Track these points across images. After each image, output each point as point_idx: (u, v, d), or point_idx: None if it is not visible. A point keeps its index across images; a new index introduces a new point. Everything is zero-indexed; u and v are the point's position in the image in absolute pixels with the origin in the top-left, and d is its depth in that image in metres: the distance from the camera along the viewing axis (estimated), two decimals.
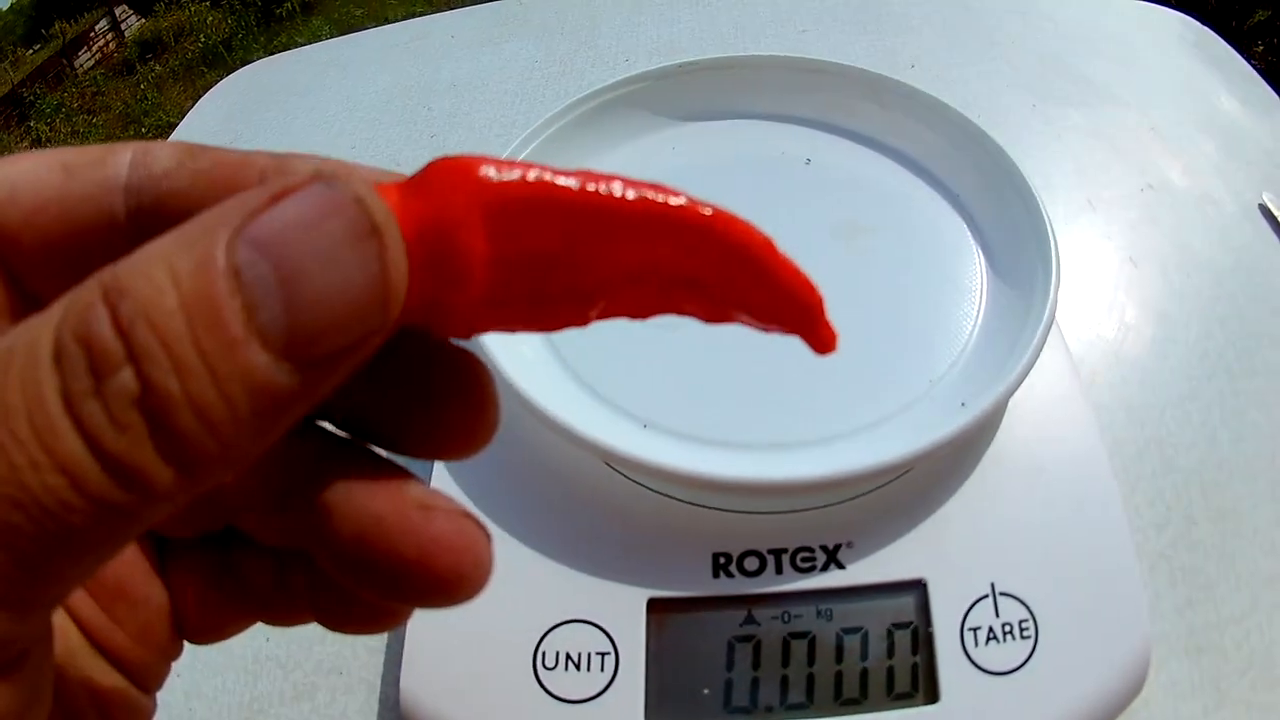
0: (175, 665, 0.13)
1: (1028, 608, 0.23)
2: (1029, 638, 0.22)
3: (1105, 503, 0.24)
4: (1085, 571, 0.23)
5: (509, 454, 0.26)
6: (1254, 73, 0.40)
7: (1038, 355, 0.23)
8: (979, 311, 0.26)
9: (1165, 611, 0.26)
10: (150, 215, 0.11)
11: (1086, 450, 0.25)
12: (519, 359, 0.26)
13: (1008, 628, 0.22)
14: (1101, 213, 0.33)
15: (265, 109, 0.46)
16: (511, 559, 0.24)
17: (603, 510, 0.25)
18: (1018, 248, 0.27)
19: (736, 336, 0.26)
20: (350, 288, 0.09)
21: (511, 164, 0.11)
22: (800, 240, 0.28)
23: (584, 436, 0.23)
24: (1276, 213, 0.35)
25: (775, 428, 0.24)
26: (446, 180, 0.10)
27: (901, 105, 0.30)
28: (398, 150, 0.41)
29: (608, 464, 0.25)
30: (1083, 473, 0.24)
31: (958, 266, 0.28)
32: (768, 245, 0.13)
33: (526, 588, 0.24)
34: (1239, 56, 0.40)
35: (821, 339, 0.14)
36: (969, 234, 0.28)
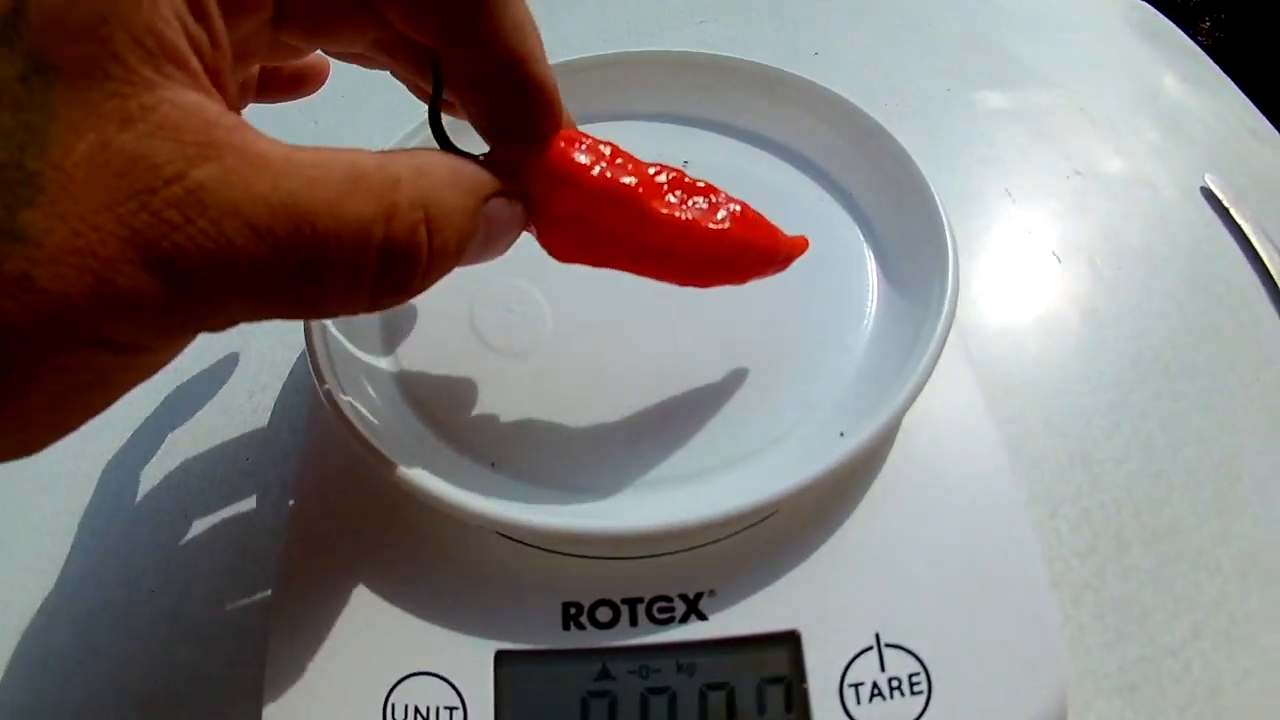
0: None
1: (919, 659, 0.20)
2: (920, 693, 0.19)
3: (1012, 535, 0.21)
4: (988, 615, 0.20)
5: (356, 497, 0.24)
6: (1198, 49, 0.37)
7: (927, 376, 0.20)
8: (868, 326, 0.23)
9: (1091, 648, 0.23)
10: None
11: (991, 475, 0.22)
12: (364, 395, 0.23)
13: (895, 683, 0.19)
14: (1021, 204, 0.30)
15: None
16: (361, 607, 0.22)
17: (450, 556, 0.22)
18: (914, 253, 0.24)
19: (596, 366, 0.24)
20: (501, 250, 0.19)
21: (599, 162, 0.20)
22: None
23: (422, 486, 0.20)
24: (1220, 195, 0.33)
25: (634, 466, 0.22)
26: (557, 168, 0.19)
27: (789, 98, 0.28)
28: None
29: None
30: (986, 502, 0.21)
31: (848, 276, 0.25)
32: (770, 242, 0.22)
33: (377, 637, 0.21)
34: (1181, 32, 0.37)
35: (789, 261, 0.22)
36: (862, 239, 0.26)
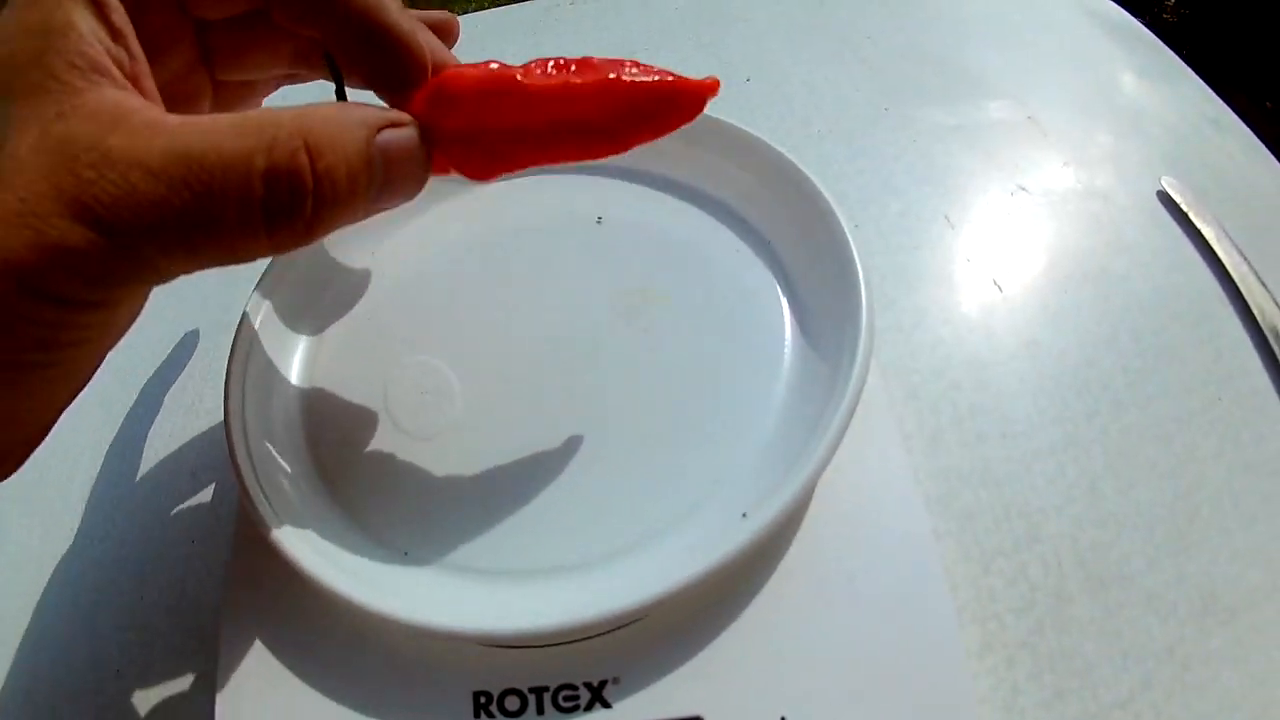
0: None
1: None
2: None
3: (931, 609, 0.20)
4: (901, 690, 0.19)
5: (283, 586, 0.24)
6: (1156, 40, 0.35)
7: (831, 453, 0.20)
8: (780, 390, 0.23)
9: (1027, 708, 0.22)
10: None
11: (911, 542, 0.21)
12: (279, 487, 0.23)
13: None
14: (962, 231, 0.29)
15: None
16: (289, 692, 0.22)
17: (367, 644, 0.22)
18: (830, 306, 0.23)
19: (504, 446, 0.24)
20: (409, 189, 0.20)
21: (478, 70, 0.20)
22: (581, 318, 0.25)
23: (327, 585, 0.20)
24: (1178, 199, 0.31)
25: (538, 550, 0.21)
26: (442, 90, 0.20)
27: (706, 140, 0.26)
28: None
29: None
30: (904, 573, 0.21)
31: (764, 334, 0.24)
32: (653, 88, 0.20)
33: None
34: (1137, 23, 0.35)
35: (701, 103, 0.21)
36: (780, 293, 0.25)
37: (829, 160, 0.26)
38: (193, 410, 0.30)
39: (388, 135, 0.19)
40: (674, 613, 0.21)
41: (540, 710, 0.20)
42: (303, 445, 0.25)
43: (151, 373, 0.32)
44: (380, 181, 0.19)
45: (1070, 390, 0.26)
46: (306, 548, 0.21)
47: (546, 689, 0.20)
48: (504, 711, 0.20)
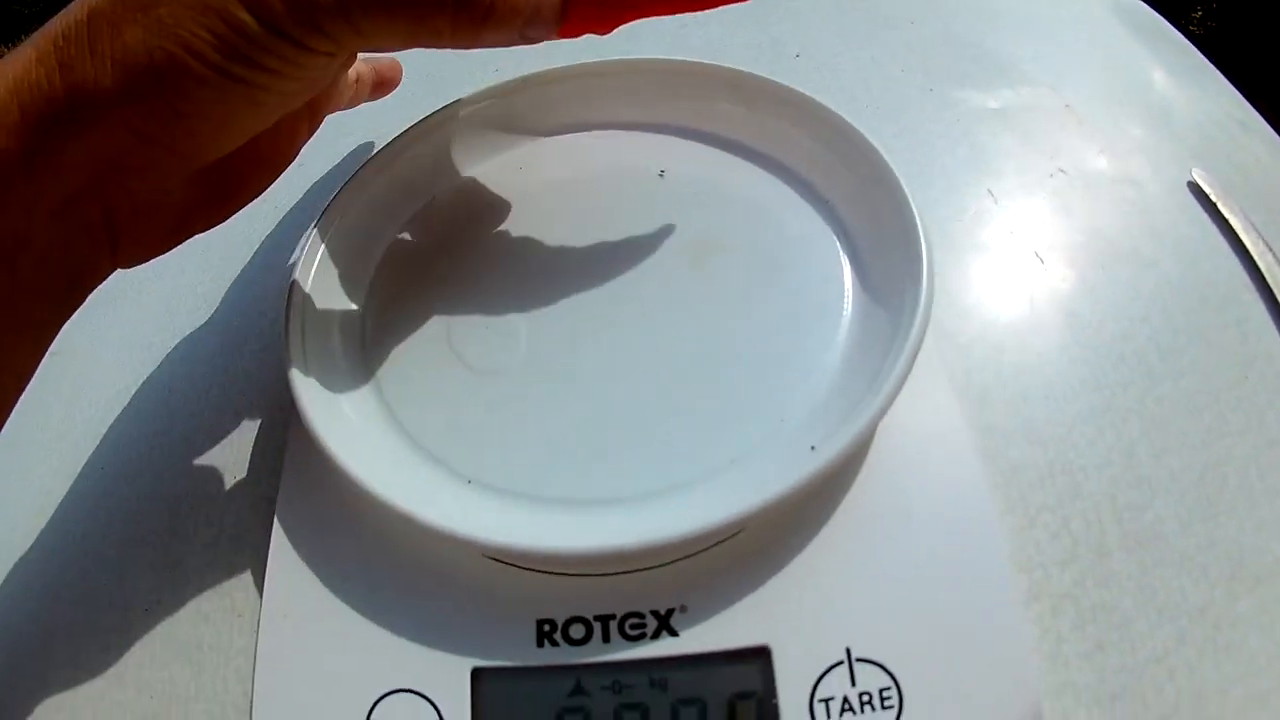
0: None
1: (890, 674, 0.20)
2: (891, 708, 0.19)
3: (985, 547, 0.21)
4: (960, 628, 0.20)
5: (337, 514, 0.24)
6: (1186, 42, 0.36)
7: (898, 389, 0.20)
8: (842, 337, 0.23)
9: (1070, 658, 0.23)
10: None
11: (965, 487, 0.22)
12: (340, 414, 0.23)
13: (866, 697, 0.19)
14: (1004, 204, 0.30)
15: None
16: (344, 625, 0.22)
17: (428, 573, 0.22)
18: (889, 262, 0.24)
19: (568, 382, 0.24)
20: (550, 26, 0.22)
21: None
22: (645, 264, 0.26)
23: (393, 504, 0.20)
24: (1208, 189, 0.32)
25: (605, 481, 0.22)
26: None
27: (765, 104, 0.27)
28: None
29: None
30: (959, 514, 0.21)
31: (824, 285, 0.25)
32: None
33: (359, 655, 0.22)
34: (1168, 25, 0.36)
35: None
36: (839, 247, 0.25)
37: (875, 134, 0.26)
38: (237, 349, 0.30)
39: None
40: (741, 544, 0.21)
41: (606, 638, 0.20)
42: (364, 372, 0.25)
43: (192, 312, 0.32)
44: (532, 10, 0.21)
45: (1107, 361, 0.27)
46: (367, 468, 0.21)
47: (613, 616, 0.21)
48: (569, 639, 0.21)
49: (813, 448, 0.20)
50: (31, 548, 0.28)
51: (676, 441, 0.22)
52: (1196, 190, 0.32)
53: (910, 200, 0.24)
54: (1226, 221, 0.32)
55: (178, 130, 0.20)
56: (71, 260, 0.21)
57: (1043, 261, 0.28)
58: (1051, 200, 0.30)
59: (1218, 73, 0.36)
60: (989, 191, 0.30)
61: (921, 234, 0.23)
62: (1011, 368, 0.26)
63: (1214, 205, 0.32)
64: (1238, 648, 0.24)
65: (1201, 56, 0.36)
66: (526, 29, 0.22)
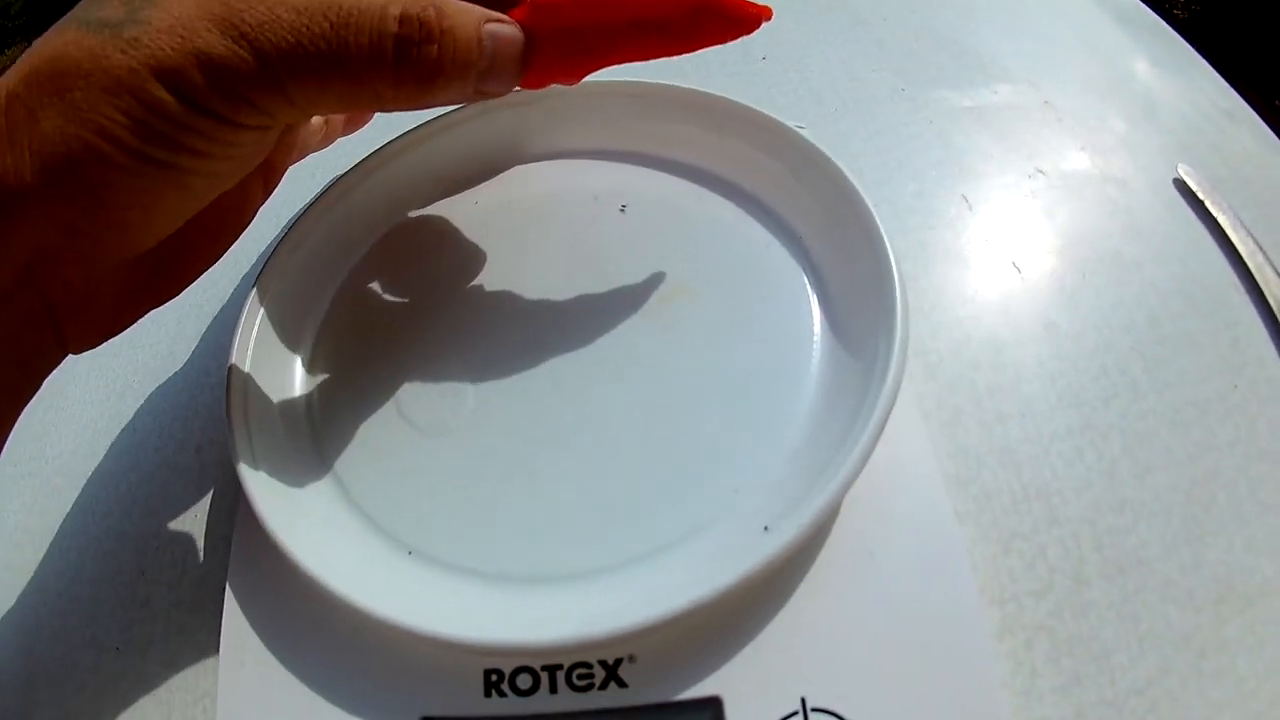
0: None
1: None
2: None
3: (954, 587, 0.20)
4: (925, 674, 0.19)
5: (275, 564, 0.23)
6: (1170, 30, 0.34)
7: (860, 468, 0.19)
8: (808, 396, 0.22)
9: (1045, 693, 0.21)
10: None
11: (932, 523, 0.20)
12: (284, 476, 0.23)
13: None
14: (979, 210, 0.28)
15: None
16: (294, 676, 0.21)
17: (375, 622, 0.22)
18: (862, 305, 0.22)
19: (515, 445, 0.22)
20: (508, 80, 0.22)
21: None
22: (602, 313, 0.24)
23: (334, 592, 0.20)
24: (1194, 186, 0.31)
25: (549, 556, 0.21)
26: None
27: (733, 129, 0.26)
28: None
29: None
30: (926, 552, 0.20)
31: (791, 332, 0.23)
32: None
33: (310, 704, 0.21)
34: (1152, 14, 0.35)
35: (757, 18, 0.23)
36: (808, 288, 0.24)
37: (845, 139, 0.25)
38: (200, 385, 0.30)
39: (494, 26, 0.21)
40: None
41: (554, 688, 0.19)
42: (306, 433, 0.24)
43: (156, 347, 0.32)
44: (487, 62, 0.20)
45: (1087, 374, 0.25)
46: (308, 544, 0.21)
47: (560, 667, 0.20)
48: (515, 689, 0.20)
49: (766, 528, 0.19)
50: (8, 585, 0.28)
51: (624, 513, 0.21)
52: (1183, 187, 0.31)
53: (885, 241, 0.22)
54: (1214, 219, 0.30)
55: (103, 222, 0.18)
56: (19, 351, 0.20)
57: (1020, 271, 0.27)
58: (1029, 204, 0.29)
59: (1203, 61, 0.35)
60: (963, 197, 0.28)
61: (897, 283, 0.22)
62: (986, 386, 0.25)
63: (1201, 203, 0.31)
64: (1224, 674, 0.23)
65: (1186, 45, 0.34)
66: (482, 84, 0.21)
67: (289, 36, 0.17)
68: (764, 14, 0.23)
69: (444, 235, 0.28)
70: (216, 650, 0.24)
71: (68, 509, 0.29)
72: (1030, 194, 0.29)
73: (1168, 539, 0.24)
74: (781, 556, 0.18)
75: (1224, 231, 0.30)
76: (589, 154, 0.28)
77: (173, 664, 0.25)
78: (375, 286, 0.27)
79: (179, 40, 0.17)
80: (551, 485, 0.22)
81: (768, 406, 0.22)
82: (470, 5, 0.20)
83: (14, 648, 0.26)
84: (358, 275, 0.27)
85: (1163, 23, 0.35)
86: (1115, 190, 0.30)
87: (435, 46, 0.19)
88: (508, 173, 0.28)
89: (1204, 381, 0.27)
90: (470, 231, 0.27)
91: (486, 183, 0.28)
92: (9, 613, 0.27)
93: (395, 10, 0.18)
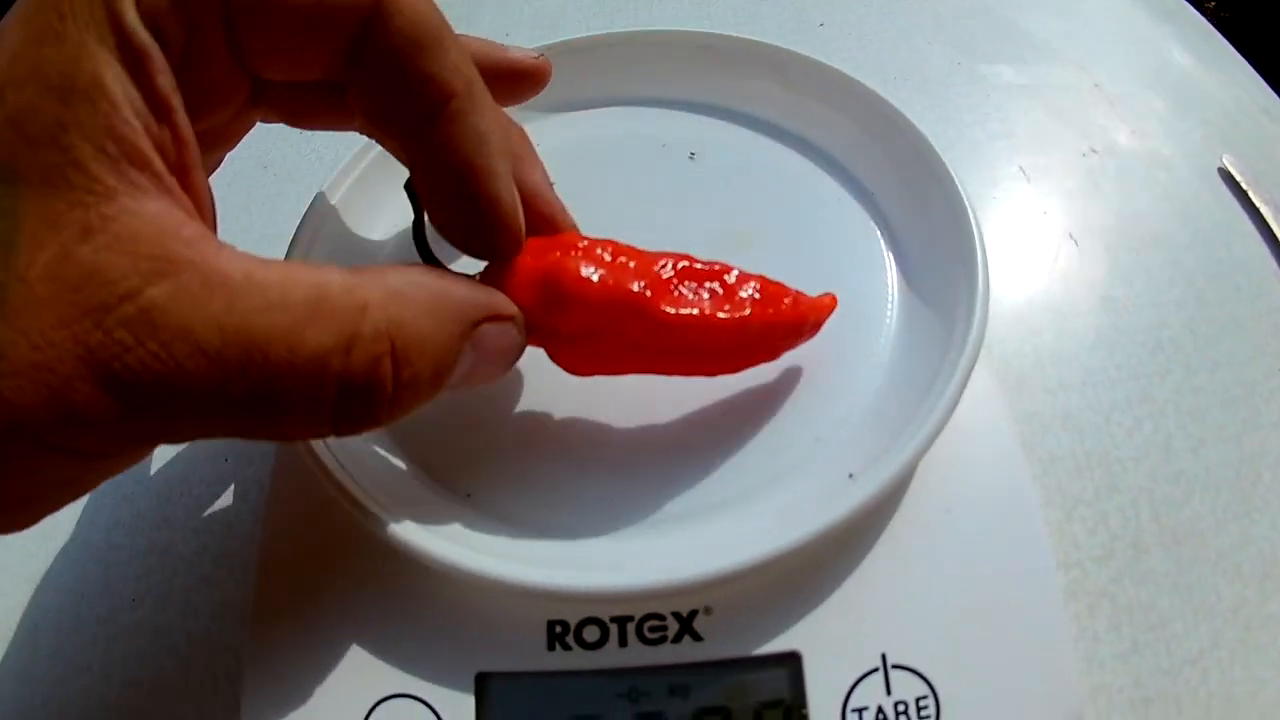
0: None
1: (927, 682, 0.18)
2: (929, 718, 0.18)
3: (1030, 552, 0.19)
4: (1001, 635, 0.19)
5: (327, 512, 0.22)
6: (1210, 28, 0.35)
7: (947, 418, 0.19)
8: (887, 343, 0.22)
9: (1106, 660, 0.21)
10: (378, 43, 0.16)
11: (1009, 487, 0.20)
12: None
13: (902, 708, 0.18)
14: (1036, 183, 0.28)
15: None
16: (338, 628, 0.20)
17: (428, 572, 0.20)
18: (939, 262, 0.22)
19: (585, 391, 0.20)
20: (493, 377, 0.18)
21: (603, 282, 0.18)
22: (677, 250, 0.24)
23: (385, 531, 0.19)
24: (1238, 176, 0.31)
25: (616, 503, 0.20)
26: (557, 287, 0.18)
27: (805, 84, 0.25)
28: (267, 152, 0.36)
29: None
30: (1003, 516, 0.20)
31: (865, 284, 0.23)
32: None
33: (354, 660, 0.20)
34: (1193, 10, 0.35)
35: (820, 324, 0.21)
36: (881, 242, 0.24)
37: (904, 107, 0.25)
38: None
39: (486, 329, 0.16)
40: None
41: (623, 641, 0.19)
42: None
43: None
44: (465, 374, 0.16)
45: (1144, 348, 0.26)
46: (356, 484, 0.20)
47: (630, 618, 0.19)
48: (582, 642, 0.19)
49: (851, 476, 0.19)
50: (17, 536, 0.26)
51: (699, 463, 0.20)
52: (1227, 177, 0.31)
53: (965, 199, 0.22)
54: (1258, 210, 0.31)
55: None
56: None
57: (1077, 243, 0.27)
58: (1084, 181, 0.29)
59: (1243, 60, 0.35)
60: (1021, 169, 0.28)
61: (977, 239, 0.21)
62: (1048, 353, 0.25)
63: (1245, 193, 0.31)
64: (1268, 649, 0.23)
65: (1227, 44, 0.35)
66: (452, 392, 0.17)
67: (194, 393, 0.13)
68: (829, 308, 0.21)
69: None
70: (243, 603, 0.23)
71: None
72: (1085, 172, 0.29)
73: (1218, 513, 0.24)
74: (868, 505, 0.18)
75: (1267, 223, 0.30)
76: (655, 102, 0.27)
77: (193, 615, 0.23)
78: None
79: (47, 393, 0.12)
80: (623, 432, 0.21)
81: (845, 358, 0.21)
82: (454, 300, 0.16)
83: (16, 597, 0.25)
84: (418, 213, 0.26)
85: (1204, 20, 0.36)
86: (1164, 175, 0.30)
87: (386, 405, 0.15)
88: (568, 116, 0.27)
89: (1250, 362, 0.27)
90: None
91: (548, 126, 0.27)
92: (11, 559, 0.25)
93: (337, 367, 0.13)
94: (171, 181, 0.13)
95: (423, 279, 0.15)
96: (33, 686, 0.23)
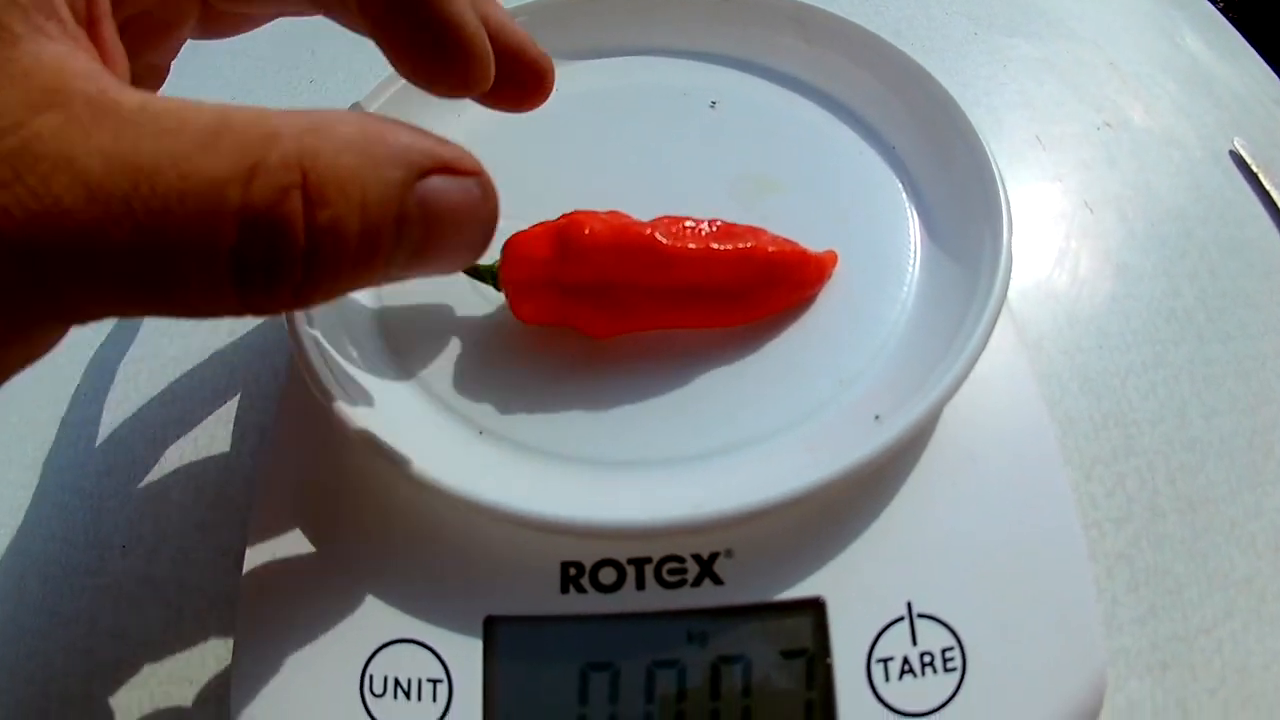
0: None
1: (954, 633, 0.18)
2: (954, 670, 0.17)
3: (1054, 503, 0.19)
4: (1028, 587, 0.18)
5: (331, 448, 0.21)
6: (1220, 16, 0.35)
7: (975, 360, 0.18)
8: (909, 290, 0.21)
9: (1124, 623, 0.21)
10: None
11: (1033, 437, 0.20)
12: (343, 349, 0.21)
13: (928, 658, 0.17)
14: (1052, 151, 0.28)
15: None
16: (337, 569, 0.19)
17: (433, 511, 0.20)
18: (962, 213, 0.22)
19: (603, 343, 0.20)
20: (457, 260, 0.14)
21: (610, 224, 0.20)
22: (693, 199, 0.23)
23: (401, 466, 0.18)
24: (1250, 160, 0.31)
25: (634, 440, 0.19)
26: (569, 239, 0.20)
27: (827, 39, 0.25)
28: (276, 99, 0.36)
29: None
30: (1027, 465, 0.19)
31: (887, 232, 0.22)
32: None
33: (354, 603, 0.19)
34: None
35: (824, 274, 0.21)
36: (903, 192, 0.23)
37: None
38: None
39: (436, 183, 0.13)
40: None
41: (640, 584, 0.18)
42: (370, 310, 0.22)
43: None
44: (415, 245, 0.13)
45: (1159, 315, 0.25)
46: (365, 414, 0.19)
47: (648, 560, 0.18)
48: (597, 585, 0.18)
49: (877, 417, 0.18)
50: (5, 483, 0.25)
51: (721, 400, 0.19)
52: (1238, 160, 0.31)
53: (989, 151, 0.22)
54: (1269, 195, 0.31)
55: None
56: None
57: (1092, 211, 0.27)
58: (1099, 153, 0.28)
59: (1254, 52, 0.36)
60: (1037, 138, 0.28)
61: (1000, 187, 0.21)
62: (1065, 315, 0.24)
63: (1256, 176, 0.31)
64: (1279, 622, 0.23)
65: (1236, 33, 0.35)
66: (406, 273, 0.13)
67: (76, 241, 0.11)
68: (831, 262, 0.22)
69: (523, 117, 0.26)
70: (238, 550, 0.22)
71: (80, 399, 0.26)
72: (1100, 144, 0.29)
73: (1232, 482, 0.24)
74: (893, 447, 0.17)
75: (1276, 204, 0.31)
76: (676, 53, 0.26)
77: (186, 563, 0.22)
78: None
79: None
80: (644, 370, 0.20)
81: (869, 306, 0.21)
82: (391, 139, 0.12)
83: (10, 546, 0.24)
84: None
85: (1214, 10, 0.36)
86: (1177, 153, 0.30)
87: (300, 263, 0.12)
88: (591, 63, 0.27)
89: (1261, 338, 0.27)
90: (554, 113, 0.26)
91: (568, 71, 0.26)
92: (7, 509, 0.24)
93: (235, 199, 0.11)
94: (79, 31, 0.13)
95: (358, 116, 0.12)
96: (20, 639, 0.22)
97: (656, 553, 0.18)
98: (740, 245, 0.20)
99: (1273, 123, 0.33)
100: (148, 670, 0.21)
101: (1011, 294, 0.24)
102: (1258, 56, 0.36)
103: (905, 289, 0.21)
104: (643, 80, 0.26)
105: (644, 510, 0.17)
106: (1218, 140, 0.31)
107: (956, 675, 0.17)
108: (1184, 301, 0.26)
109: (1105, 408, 0.23)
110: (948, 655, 0.17)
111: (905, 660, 0.17)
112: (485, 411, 0.20)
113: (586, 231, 0.19)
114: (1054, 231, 0.26)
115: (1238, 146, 0.31)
